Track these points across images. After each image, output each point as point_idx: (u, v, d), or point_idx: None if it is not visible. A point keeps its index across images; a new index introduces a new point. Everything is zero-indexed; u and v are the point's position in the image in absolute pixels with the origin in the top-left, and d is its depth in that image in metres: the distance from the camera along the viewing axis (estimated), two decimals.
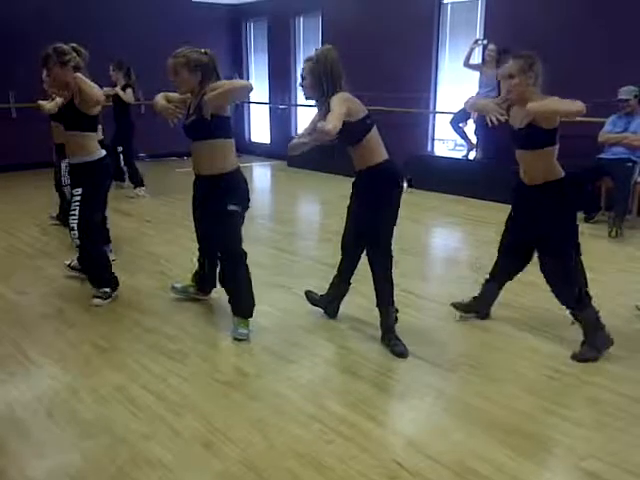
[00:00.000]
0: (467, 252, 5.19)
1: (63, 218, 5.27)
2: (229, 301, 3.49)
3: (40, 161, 8.03)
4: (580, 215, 6.12)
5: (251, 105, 11.47)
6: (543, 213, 3.13)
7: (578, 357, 3.11)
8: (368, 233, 3.26)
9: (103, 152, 3.87)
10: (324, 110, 3.06)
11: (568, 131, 6.57)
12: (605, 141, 5.83)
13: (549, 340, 3.35)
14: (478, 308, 3.62)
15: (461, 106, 7.17)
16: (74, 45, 3.69)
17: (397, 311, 3.32)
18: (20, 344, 3.32)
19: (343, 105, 3.00)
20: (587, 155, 6.03)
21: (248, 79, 11.33)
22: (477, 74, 7.21)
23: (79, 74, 3.63)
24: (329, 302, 3.64)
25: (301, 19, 10.10)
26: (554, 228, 3.12)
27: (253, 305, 3.46)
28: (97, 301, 3.87)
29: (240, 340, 3.36)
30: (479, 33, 7.54)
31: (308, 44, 10.07)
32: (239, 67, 11.21)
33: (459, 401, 2.76)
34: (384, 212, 3.23)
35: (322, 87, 3.10)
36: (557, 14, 6.67)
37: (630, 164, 5.67)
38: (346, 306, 3.75)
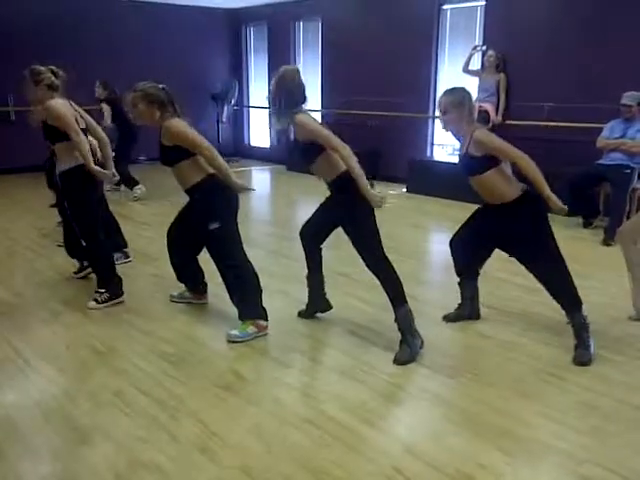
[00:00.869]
0: None
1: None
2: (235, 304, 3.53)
3: (39, 164, 7.99)
4: (579, 221, 6.14)
5: (250, 109, 11.48)
6: (516, 229, 3.22)
7: (577, 361, 3.13)
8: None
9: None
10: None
11: (568, 137, 6.65)
12: (603, 147, 5.84)
13: (546, 345, 3.35)
14: (466, 311, 3.65)
15: None
16: (52, 67, 3.84)
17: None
18: (17, 347, 3.32)
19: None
20: (587, 161, 6.05)
21: (248, 83, 11.36)
22: (476, 79, 7.23)
23: (52, 102, 3.74)
24: (316, 300, 3.65)
25: (301, 23, 10.12)
26: (528, 236, 3.21)
27: (260, 308, 3.48)
28: (92, 304, 3.89)
29: (235, 342, 3.38)
30: (478, 38, 7.56)
31: (308, 49, 10.10)
32: (239, 71, 11.24)
33: (457, 407, 2.76)
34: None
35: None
36: (556, 20, 6.70)
37: (628, 170, 5.67)
38: (344, 311, 3.75)
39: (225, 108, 10.77)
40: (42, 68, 3.80)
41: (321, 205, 3.52)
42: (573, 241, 5.58)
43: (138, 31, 9.67)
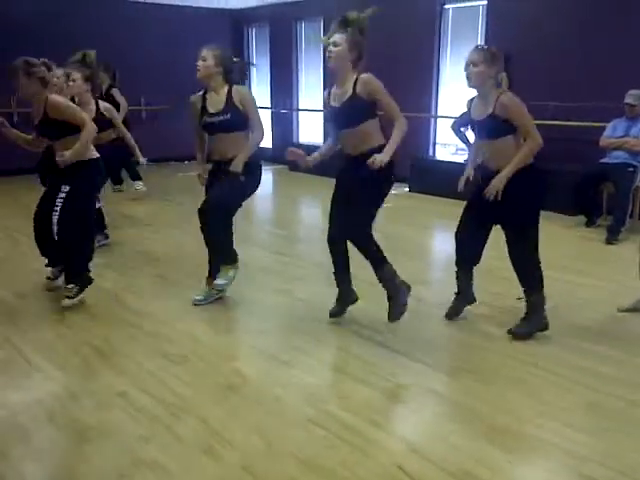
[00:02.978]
0: None
1: None
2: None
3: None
4: (582, 220, 6.13)
5: None
6: (511, 194, 3.23)
7: (514, 332, 3.36)
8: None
9: (96, 153, 3.91)
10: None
11: (571, 135, 6.64)
12: (607, 145, 5.84)
13: (547, 344, 3.35)
14: (465, 300, 3.68)
15: (462, 110, 7.19)
16: (45, 60, 3.76)
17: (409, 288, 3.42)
18: (20, 348, 3.32)
19: None
20: (590, 159, 6.05)
21: (250, 84, 11.35)
22: None
23: (54, 96, 3.69)
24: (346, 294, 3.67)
25: (302, 24, 10.13)
26: (520, 206, 3.26)
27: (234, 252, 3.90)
28: (66, 301, 3.85)
29: (220, 291, 3.86)
30: (480, 38, 7.56)
31: (309, 49, 10.10)
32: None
33: (460, 405, 2.75)
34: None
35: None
36: (559, 19, 6.69)
37: (632, 169, 5.66)
38: (347, 310, 3.75)
39: None
40: (36, 60, 3.69)
41: (335, 202, 3.49)
42: (576, 240, 5.58)
43: (140, 31, 9.68)
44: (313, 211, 7.72)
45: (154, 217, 6.55)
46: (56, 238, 3.80)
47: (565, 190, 5.83)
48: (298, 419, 2.62)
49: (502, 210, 3.28)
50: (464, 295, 3.66)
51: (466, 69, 3.22)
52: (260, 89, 11.07)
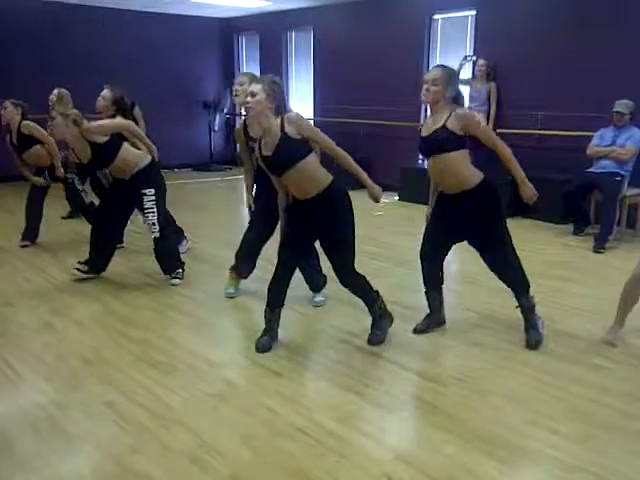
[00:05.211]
0: (458, 265, 5.19)
1: (74, 212, 6.36)
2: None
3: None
4: (569, 228, 6.17)
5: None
6: (476, 213, 3.30)
7: (532, 343, 3.35)
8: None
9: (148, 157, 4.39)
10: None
11: (559, 144, 6.69)
12: (593, 154, 5.89)
13: (535, 352, 3.36)
14: (436, 319, 3.67)
15: None
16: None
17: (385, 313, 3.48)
18: (6, 357, 3.29)
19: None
20: (577, 169, 6.09)
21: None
22: (467, 89, 7.27)
23: (92, 124, 4.21)
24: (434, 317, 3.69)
25: (292, 33, 10.16)
26: (492, 224, 3.32)
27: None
28: (176, 281, 4.45)
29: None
30: (469, 48, 7.62)
31: (299, 58, 10.13)
32: (231, 80, 11.24)
33: (448, 414, 2.75)
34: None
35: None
36: (546, 30, 6.75)
37: (619, 178, 5.71)
38: (336, 319, 3.74)
39: (217, 116, 10.78)
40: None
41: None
42: (564, 249, 5.61)
43: (130, 40, 9.66)
44: None
45: (142, 227, 6.50)
46: (158, 236, 4.35)
47: (553, 199, 5.87)
48: (287, 428, 2.61)
49: (472, 227, 3.35)
50: (435, 316, 3.66)
51: (427, 86, 3.24)
52: None
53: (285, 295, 3.39)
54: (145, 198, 4.28)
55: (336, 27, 9.10)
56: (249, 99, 3.09)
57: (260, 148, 3.23)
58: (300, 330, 3.68)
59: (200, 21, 10.63)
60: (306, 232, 3.35)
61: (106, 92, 4.98)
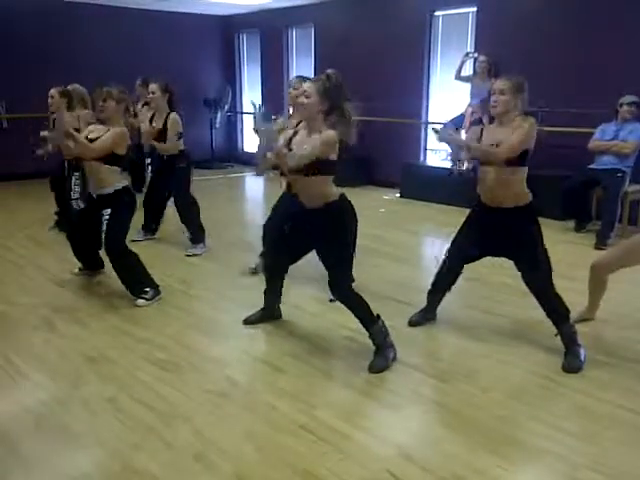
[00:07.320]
0: None
1: (60, 224, 5.74)
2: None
3: (30, 172, 8.01)
4: (571, 225, 6.16)
5: (244, 115, 11.49)
6: (519, 233, 3.22)
7: (566, 368, 3.11)
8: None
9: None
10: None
11: (560, 141, 6.68)
12: (595, 148, 5.88)
13: (540, 349, 3.36)
14: (430, 315, 3.71)
15: (452, 116, 7.22)
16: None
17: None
18: (9, 355, 3.29)
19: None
20: (579, 165, 6.08)
21: (241, 90, 11.38)
22: (469, 86, 7.26)
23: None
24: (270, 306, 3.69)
25: (293, 30, 10.15)
26: (534, 244, 3.21)
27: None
28: (141, 302, 4.00)
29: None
30: (470, 44, 7.60)
31: (300, 55, 10.12)
32: (232, 78, 11.24)
33: (451, 411, 2.75)
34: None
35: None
36: (547, 25, 6.74)
37: (620, 174, 5.70)
38: (339, 316, 3.74)
39: (218, 114, 10.77)
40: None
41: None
42: (565, 245, 5.60)
43: (131, 38, 9.65)
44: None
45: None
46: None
47: (554, 195, 5.86)
48: (289, 425, 2.61)
49: (511, 245, 3.27)
50: (429, 313, 3.71)
51: (496, 96, 3.21)
52: (251, 95, 11.06)
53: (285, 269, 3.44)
54: (103, 217, 4.15)
55: (337, 24, 9.08)
56: (304, 100, 3.06)
57: (290, 140, 3.13)
58: (303, 327, 3.68)
59: (201, 19, 10.62)
60: (303, 240, 3.32)
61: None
